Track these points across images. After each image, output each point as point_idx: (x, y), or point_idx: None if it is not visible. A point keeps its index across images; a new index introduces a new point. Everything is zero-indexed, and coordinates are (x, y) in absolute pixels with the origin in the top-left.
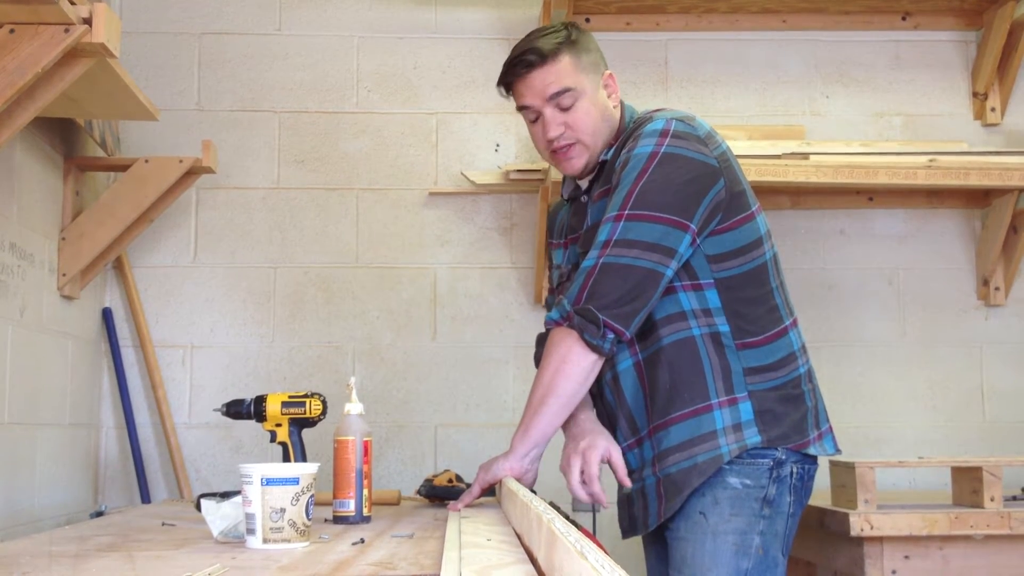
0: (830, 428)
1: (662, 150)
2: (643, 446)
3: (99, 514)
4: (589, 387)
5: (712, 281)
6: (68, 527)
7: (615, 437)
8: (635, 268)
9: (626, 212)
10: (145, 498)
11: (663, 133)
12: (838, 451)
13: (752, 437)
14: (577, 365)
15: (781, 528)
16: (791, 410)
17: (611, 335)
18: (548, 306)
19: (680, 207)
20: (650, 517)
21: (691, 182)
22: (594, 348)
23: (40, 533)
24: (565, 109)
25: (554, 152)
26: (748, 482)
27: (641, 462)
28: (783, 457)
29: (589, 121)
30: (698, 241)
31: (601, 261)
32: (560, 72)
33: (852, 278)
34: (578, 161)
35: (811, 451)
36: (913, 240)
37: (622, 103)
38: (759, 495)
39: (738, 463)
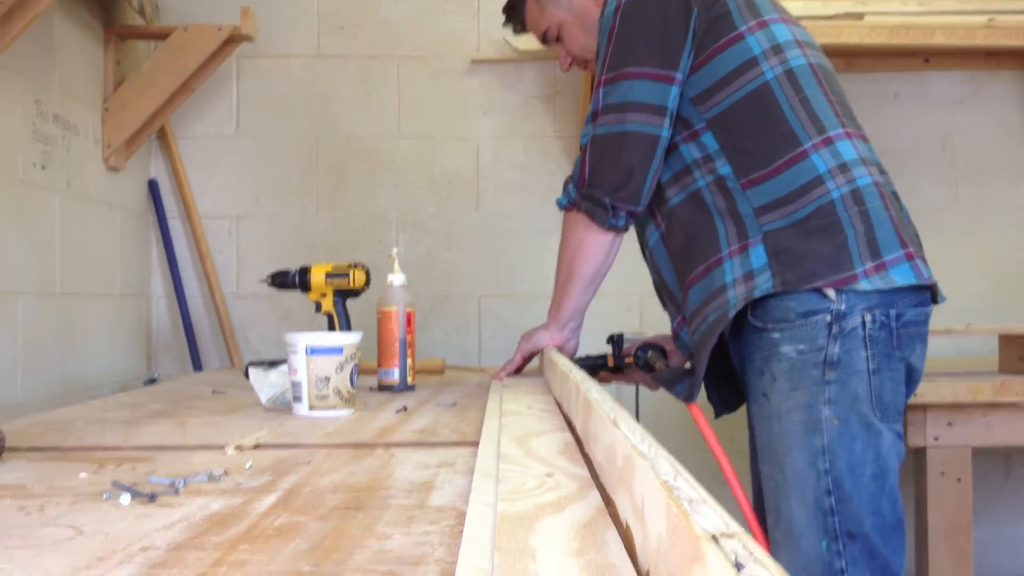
0: (907, 255)
1: (624, 2)
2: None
3: (152, 381)
4: (613, 260)
5: (704, 124)
6: (122, 394)
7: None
8: (627, 135)
9: (604, 77)
10: (197, 366)
11: None
12: (920, 279)
13: (764, 284)
14: (594, 246)
15: (862, 390)
16: (819, 244)
17: (623, 212)
18: None
19: (657, 57)
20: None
21: (661, 25)
22: (609, 228)
23: (94, 400)
24: (559, 41)
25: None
26: (802, 347)
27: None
28: (843, 308)
29: (578, 45)
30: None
31: (593, 134)
32: (532, 20)
33: (905, 143)
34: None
35: (861, 286)
36: (969, 103)
37: None
38: (818, 359)
39: (788, 327)
